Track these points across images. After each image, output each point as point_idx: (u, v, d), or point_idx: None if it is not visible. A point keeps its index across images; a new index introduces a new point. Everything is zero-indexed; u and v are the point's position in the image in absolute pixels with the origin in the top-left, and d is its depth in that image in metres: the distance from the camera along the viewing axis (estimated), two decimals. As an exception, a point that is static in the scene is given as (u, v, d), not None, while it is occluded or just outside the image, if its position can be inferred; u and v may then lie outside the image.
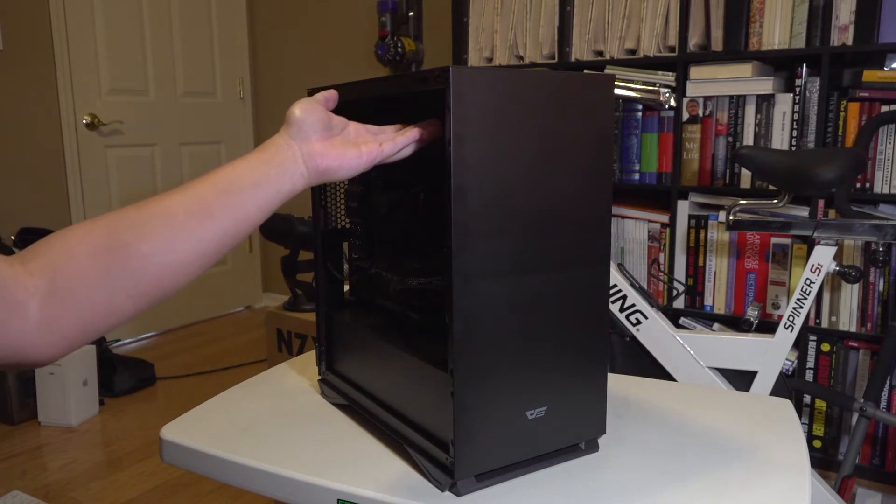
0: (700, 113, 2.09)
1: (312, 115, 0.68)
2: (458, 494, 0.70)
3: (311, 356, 1.13)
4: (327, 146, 0.69)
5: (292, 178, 0.67)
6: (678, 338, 1.60)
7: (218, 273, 3.78)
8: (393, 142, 0.71)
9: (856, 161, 1.46)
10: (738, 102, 2.03)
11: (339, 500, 0.72)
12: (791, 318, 1.52)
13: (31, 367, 0.54)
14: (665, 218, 2.19)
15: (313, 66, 3.53)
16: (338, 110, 0.77)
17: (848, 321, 1.97)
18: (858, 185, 1.91)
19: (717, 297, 2.14)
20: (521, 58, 2.39)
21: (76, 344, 0.55)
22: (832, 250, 1.50)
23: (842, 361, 2.00)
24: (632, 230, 2.26)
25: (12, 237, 2.65)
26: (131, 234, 0.56)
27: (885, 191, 1.88)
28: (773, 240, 2.05)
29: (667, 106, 1.76)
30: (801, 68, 1.93)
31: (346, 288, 1.00)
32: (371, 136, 0.73)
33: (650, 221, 2.23)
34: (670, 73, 2.09)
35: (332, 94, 0.74)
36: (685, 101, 2.09)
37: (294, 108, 0.69)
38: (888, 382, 1.92)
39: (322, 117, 0.69)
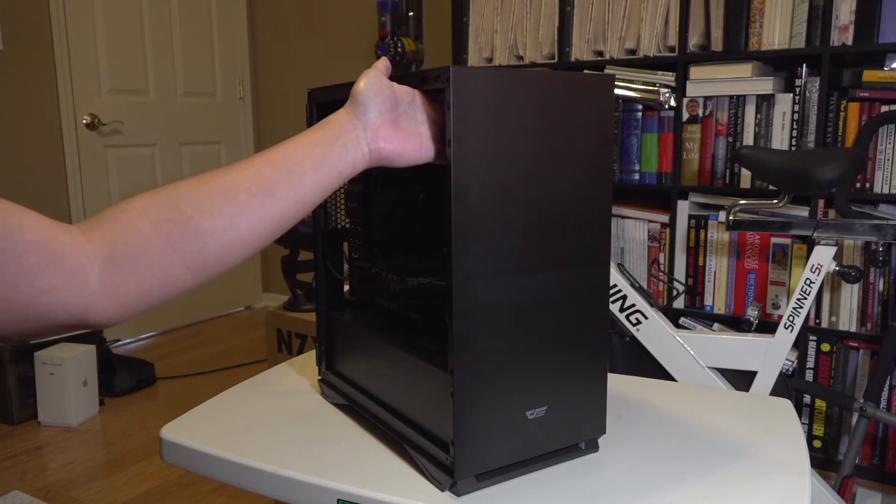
0: (700, 113, 2.09)
1: (379, 94, 0.67)
2: (458, 494, 0.70)
3: (311, 356, 1.13)
4: (392, 131, 0.68)
5: (354, 159, 0.66)
6: (678, 338, 1.60)
7: (218, 273, 3.78)
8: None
9: (856, 161, 1.47)
10: (737, 102, 2.03)
11: (339, 500, 0.72)
12: (791, 318, 1.52)
13: (91, 329, 0.55)
14: (665, 218, 2.19)
15: (313, 66, 3.53)
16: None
17: (848, 321, 1.97)
18: (858, 185, 1.91)
19: (717, 297, 2.14)
20: (521, 58, 2.39)
21: (135, 310, 0.56)
22: (832, 250, 1.50)
23: (842, 361, 2.00)
24: (632, 230, 2.26)
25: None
26: (192, 208, 0.57)
27: (885, 191, 1.88)
28: (773, 240, 2.05)
29: (667, 106, 1.76)
30: (801, 68, 1.93)
31: (346, 288, 1.00)
32: (436, 108, 0.72)
33: (650, 221, 2.22)
34: (670, 73, 2.09)
35: (387, 62, 0.72)
36: (685, 101, 2.09)
37: (361, 86, 0.67)
38: (888, 382, 1.92)
39: (389, 96, 0.68)
